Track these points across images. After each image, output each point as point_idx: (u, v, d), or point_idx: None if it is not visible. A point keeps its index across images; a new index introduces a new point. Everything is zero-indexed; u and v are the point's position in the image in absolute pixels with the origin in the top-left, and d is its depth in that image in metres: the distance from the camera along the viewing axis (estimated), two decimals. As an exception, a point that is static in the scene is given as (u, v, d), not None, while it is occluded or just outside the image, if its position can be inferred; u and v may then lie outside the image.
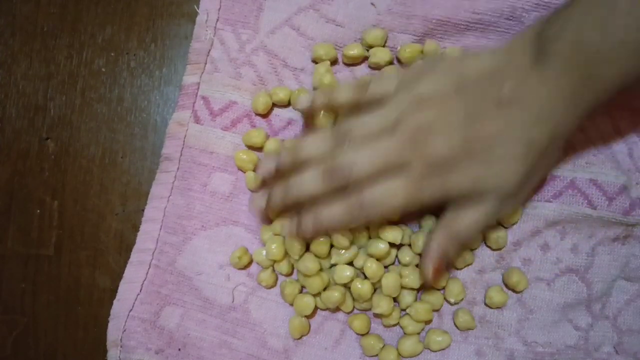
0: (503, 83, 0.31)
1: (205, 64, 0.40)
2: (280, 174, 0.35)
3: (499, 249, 0.37)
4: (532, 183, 0.35)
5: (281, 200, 0.34)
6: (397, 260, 0.37)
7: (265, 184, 0.37)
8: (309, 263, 0.36)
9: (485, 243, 0.38)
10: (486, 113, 0.31)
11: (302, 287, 0.38)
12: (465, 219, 0.33)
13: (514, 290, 0.37)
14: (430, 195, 0.32)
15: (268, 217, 0.38)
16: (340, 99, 0.35)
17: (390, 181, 0.32)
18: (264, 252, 0.37)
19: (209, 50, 0.40)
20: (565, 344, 0.37)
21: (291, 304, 0.38)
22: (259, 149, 0.39)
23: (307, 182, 0.33)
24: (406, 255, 0.36)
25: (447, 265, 0.35)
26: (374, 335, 0.37)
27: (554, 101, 0.30)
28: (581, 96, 0.30)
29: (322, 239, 0.35)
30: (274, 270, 0.38)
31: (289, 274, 0.38)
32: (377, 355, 0.37)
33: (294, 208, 0.35)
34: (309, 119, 0.38)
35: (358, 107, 0.34)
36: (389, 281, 0.35)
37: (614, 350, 0.37)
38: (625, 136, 0.38)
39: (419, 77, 0.33)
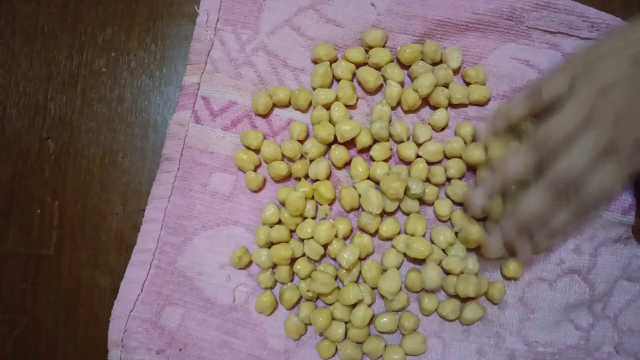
0: None
1: (206, 64, 0.40)
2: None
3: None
4: None
5: (515, 231, 0.35)
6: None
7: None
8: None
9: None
10: None
11: (301, 296, 0.38)
12: None
13: (513, 278, 0.37)
14: None
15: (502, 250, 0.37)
16: (518, 114, 0.35)
17: (604, 170, 0.33)
18: (264, 254, 0.38)
19: (209, 51, 0.40)
20: (566, 344, 0.37)
21: (289, 309, 0.38)
22: (256, 150, 0.39)
23: (533, 202, 0.33)
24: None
25: None
26: (374, 338, 0.37)
27: None
28: None
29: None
30: (273, 272, 0.38)
31: (289, 281, 0.38)
32: (381, 356, 0.37)
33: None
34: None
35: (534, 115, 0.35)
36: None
37: (614, 350, 0.37)
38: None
39: (589, 66, 0.33)
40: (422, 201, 0.38)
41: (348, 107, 0.39)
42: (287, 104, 0.40)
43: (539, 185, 0.33)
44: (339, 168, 0.39)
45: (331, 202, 0.39)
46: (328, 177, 0.38)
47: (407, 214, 0.38)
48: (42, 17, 0.42)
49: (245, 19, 0.40)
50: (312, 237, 0.37)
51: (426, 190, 0.37)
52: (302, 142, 0.39)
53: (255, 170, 0.39)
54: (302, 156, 0.39)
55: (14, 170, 0.41)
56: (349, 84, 0.38)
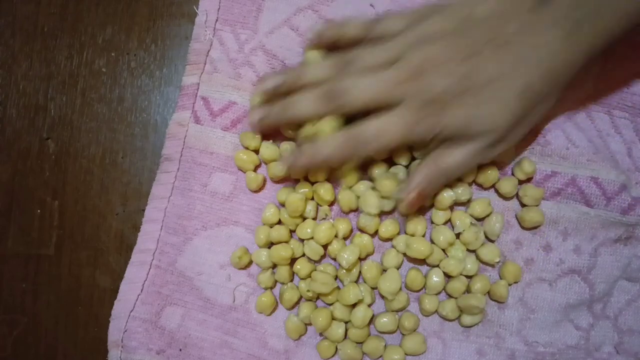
0: (505, 25, 0.31)
1: (205, 64, 0.40)
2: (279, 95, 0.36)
3: (490, 187, 0.38)
4: (524, 128, 0.34)
5: (276, 117, 0.36)
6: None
7: (263, 101, 0.37)
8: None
9: (475, 182, 0.38)
10: (486, 53, 0.32)
11: (301, 296, 0.38)
12: (454, 156, 0.33)
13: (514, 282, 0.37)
14: (424, 132, 0.33)
15: (261, 132, 0.38)
16: (348, 33, 0.36)
17: (386, 116, 0.33)
18: (264, 254, 0.38)
19: (208, 51, 0.40)
20: (566, 343, 0.37)
21: (289, 309, 0.38)
22: (256, 150, 0.39)
23: (303, 103, 0.34)
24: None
25: (424, 199, 0.35)
26: (374, 338, 0.37)
27: (552, 44, 0.31)
28: (578, 39, 0.31)
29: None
30: (273, 272, 0.38)
31: (289, 281, 0.38)
32: (381, 356, 0.37)
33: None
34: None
35: (363, 44, 0.35)
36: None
37: (614, 350, 0.37)
38: (624, 136, 0.38)
39: (426, 17, 0.34)
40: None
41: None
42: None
43: (315, 91, 0.34)
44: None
45: (331, 203, 0.39)
46: (327, 179, 0.38)
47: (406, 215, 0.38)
48: (42, 17, 0.42)
49: (244, 19, 0.40)
50: (312, 238, 0.37)
51: None
52: None
53: (255, 170, 0.39)
54: None
55: (14, 170, 0.41)
56: None
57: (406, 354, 0.36)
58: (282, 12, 0.39)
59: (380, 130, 0.33)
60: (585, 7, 0.30)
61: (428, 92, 0.32)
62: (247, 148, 0.39)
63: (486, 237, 0.37)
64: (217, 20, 0.40)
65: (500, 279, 0.37)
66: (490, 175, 0.37)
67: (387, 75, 0.33)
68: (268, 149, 0.38)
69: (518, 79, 0.31)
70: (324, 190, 0.37)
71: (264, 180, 0.39)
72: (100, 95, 0.41)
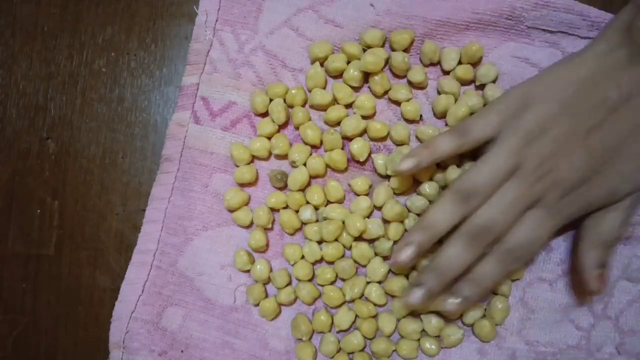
0: (607, 88, 0.31)
1: (205, 64, 0.40)
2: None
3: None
4: None
5: (439, 285, 0.33)
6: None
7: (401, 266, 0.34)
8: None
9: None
10: (601, 123, 0.32)
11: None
12: (609, 223, 0.33)
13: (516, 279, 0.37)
14: (570, 216, 0.33)
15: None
16: (443, 151, 0.33)
17: (529, 219, 0.32)
18: (258, 267, 0.38)
19: (208, 51, 0.40)
20: (567, 344, 0.37)
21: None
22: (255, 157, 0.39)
23: (457, 257, 0.32)
24: None
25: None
26: (383, 339, 0.37)
27: None
28: None
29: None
30: (264, 285, 0.38)
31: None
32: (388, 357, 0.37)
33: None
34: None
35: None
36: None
37: (615, 351, 0.37)
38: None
39: (519, 111, 0.33)
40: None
41: (347, 107, 0.39)
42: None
43: (461, 240, 0.32)
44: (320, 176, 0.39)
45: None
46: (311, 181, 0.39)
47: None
48: (42, 17, 0.42)
49: (244, 19, 0.40)
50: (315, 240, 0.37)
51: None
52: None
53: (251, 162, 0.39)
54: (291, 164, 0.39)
55: (14, 170, 0.41)
56: (344, 85, 0.38)
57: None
58: (282, 13, 0.39)
59: (530, 236, 0.32)
60: None
61: (560, 185, 0.32)
62: (243, 183, 0.39)
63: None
64: (217, 20, 0.40)
65: None
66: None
67: (515, 190, 0.32)
68: (259, 144, 0.38)
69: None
70: (317, 196, 0.37)
71: (257, 176, 0.39)
72: (100, 95, 0.41)
